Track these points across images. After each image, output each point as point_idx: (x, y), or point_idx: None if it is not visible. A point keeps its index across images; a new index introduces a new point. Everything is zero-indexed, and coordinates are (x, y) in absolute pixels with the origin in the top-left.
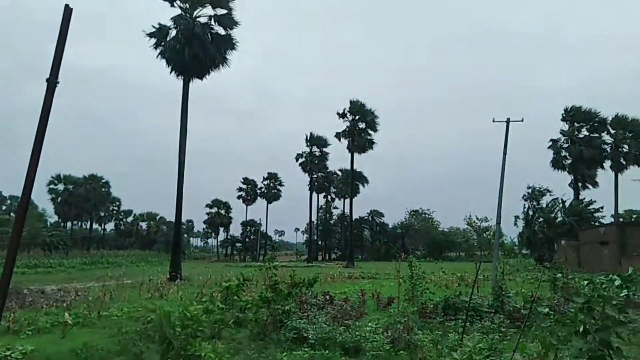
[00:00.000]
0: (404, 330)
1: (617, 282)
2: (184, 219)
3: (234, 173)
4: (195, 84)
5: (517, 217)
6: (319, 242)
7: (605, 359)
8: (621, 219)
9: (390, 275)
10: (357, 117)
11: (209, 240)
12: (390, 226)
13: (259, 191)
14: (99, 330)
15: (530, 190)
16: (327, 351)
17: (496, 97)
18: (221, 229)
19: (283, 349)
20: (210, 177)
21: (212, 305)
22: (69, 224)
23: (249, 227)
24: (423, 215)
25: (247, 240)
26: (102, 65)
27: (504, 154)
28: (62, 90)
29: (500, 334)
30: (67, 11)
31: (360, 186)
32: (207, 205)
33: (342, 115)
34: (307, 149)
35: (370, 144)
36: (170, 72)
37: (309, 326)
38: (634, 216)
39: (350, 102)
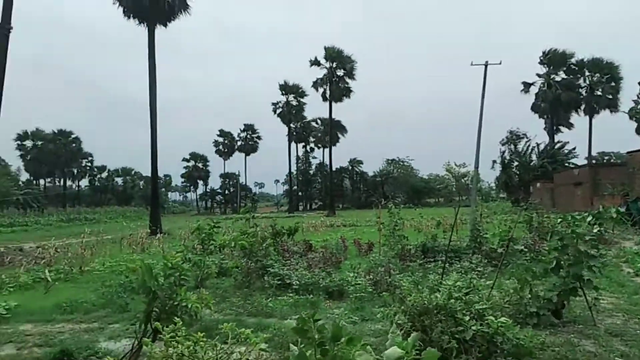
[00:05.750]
0: (385, 274)
1: (589, 219)
2: (160, 174)
3: (208, 124)
4: (158, 30)
5: (494, 162)
6: (300, 193)
7: (576, 290)
8: (594, 161)
9: (370, 223)
10: (334, 65)
11: (188, 195)
12: (370, 174)
13: (236, 144)
14: (82, 285)
15: (509, 135)
16: (311, 295)
17: (472, 41)
18: (200, 182)
19: (268, 296)
20: (185, 131)
21: (188, 251)
22: (41, 181)
23: (227, 180)
24: (401, 164)
25: (226, 192)
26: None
27: (482, 97)
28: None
29: (478, 273)
30: None
31: (340, 135)
32: (184, 160)
33: (316, 63)
34: (283, 98)
35: (348, 92)
36: (128, 18)
37: (291, 272)
38: (606, 158)
39: (325, 48)
